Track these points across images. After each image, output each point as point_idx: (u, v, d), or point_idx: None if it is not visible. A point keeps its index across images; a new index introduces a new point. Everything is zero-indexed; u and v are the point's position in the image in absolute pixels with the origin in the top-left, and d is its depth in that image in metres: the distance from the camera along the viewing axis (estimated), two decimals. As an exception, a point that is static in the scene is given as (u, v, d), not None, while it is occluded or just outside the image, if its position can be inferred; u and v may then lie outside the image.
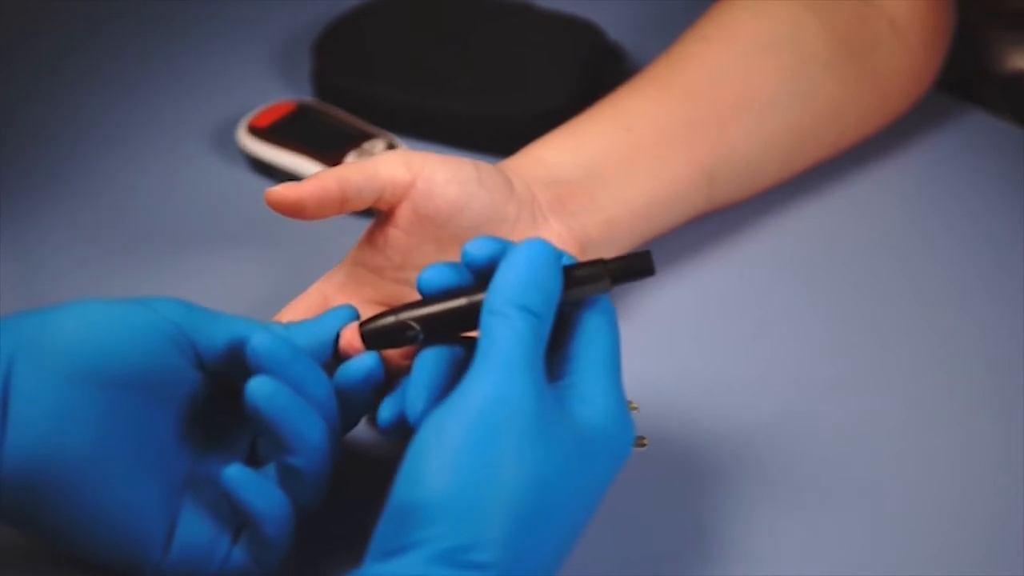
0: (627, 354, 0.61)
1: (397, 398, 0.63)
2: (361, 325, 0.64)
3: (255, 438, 0.64)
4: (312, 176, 0.67)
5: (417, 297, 0.64)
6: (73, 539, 0.59)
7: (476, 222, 0.68)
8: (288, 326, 0.64)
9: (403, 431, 0.62)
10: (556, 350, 0.60)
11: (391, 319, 0.63)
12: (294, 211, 0.67)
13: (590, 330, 0.60)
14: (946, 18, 0.85)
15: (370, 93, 0.88)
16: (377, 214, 0.69)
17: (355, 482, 0.65)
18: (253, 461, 0.64)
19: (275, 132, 0.85)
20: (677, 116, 0.76)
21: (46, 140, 0.88)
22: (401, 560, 0.54)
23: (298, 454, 0.60)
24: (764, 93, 0.78)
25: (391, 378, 0.64)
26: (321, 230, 0.75)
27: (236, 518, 0.61)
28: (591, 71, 0.89)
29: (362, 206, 0.68)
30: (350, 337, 0.64)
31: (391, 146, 0.84)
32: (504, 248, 0.61)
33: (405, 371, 0.64)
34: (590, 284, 0.61)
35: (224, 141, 0.87)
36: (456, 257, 0.67)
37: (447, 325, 0.62)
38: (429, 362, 0.62)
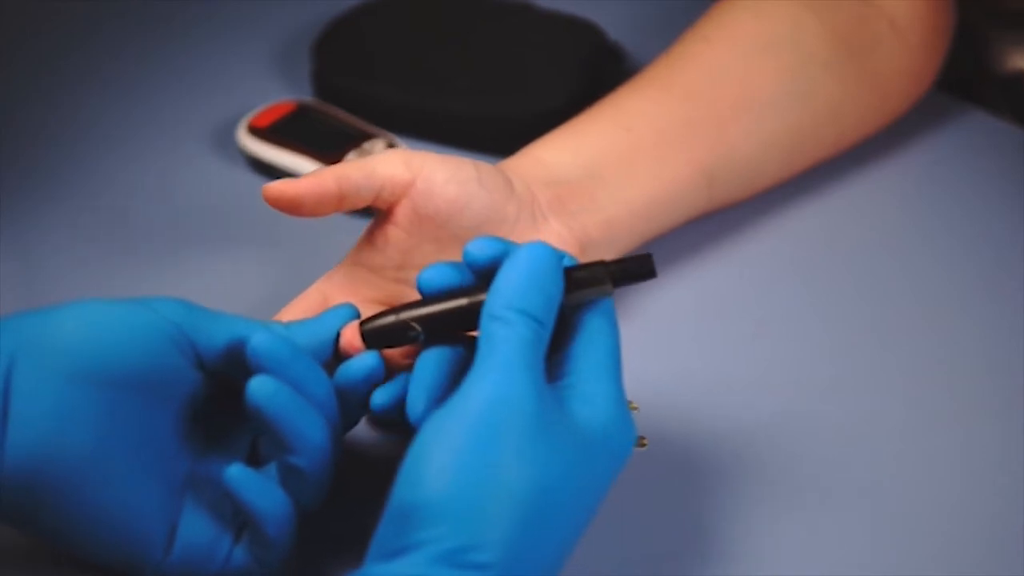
0: (627, 354, 0.61)
1: (392, 386, 0.63)
2: (361, 324, 0.64)
3: (256, 438, 0.64)
4: (310, 173, 0.67)
5: (417, 297, 0.64)
6: (73, 539, 0.59)
7: (476, 222, 0.68)
8: (288, 325, 0.64)
9: (396, 417, 0.62)
10: (557, 351, 0.60)
11: (391, 318, 0.63)
12: (291, 207, 0.67)
13: (590, 331, 0.60)
14: (946, 18, 0.85)
15: (370, 93, 0.88)
16: (377, 213, 0.69)
17: (355, 482, 0.65)
18: (254, 461, 0.64)
19: (275, 132, 0.85)
20: (677, 116, 0.76)
21: (46, 140, 0.88)
22: (402, 561, 0.54)
23: (299, 454, 0.60)
24: (764, 93, 0.78)
25: (391, 378, 0.64)
26: (321, 229, 0.75)
27: (237, 518, 0.61)
28: (591, 71, 0.89)
29: (360, 204, 0.68)
30: (350, 336, 0.64)
31: (391, 146, 0.84)
32: (505, 248, 0.61)
33: (405, 371, 0.64)
34: (591, 288, 0.60)
35: (224, 141, 0.87)
36: (456, 257, 0.66)
37: (448, 325, 0.62)
38: (430, 363, 0.62)
